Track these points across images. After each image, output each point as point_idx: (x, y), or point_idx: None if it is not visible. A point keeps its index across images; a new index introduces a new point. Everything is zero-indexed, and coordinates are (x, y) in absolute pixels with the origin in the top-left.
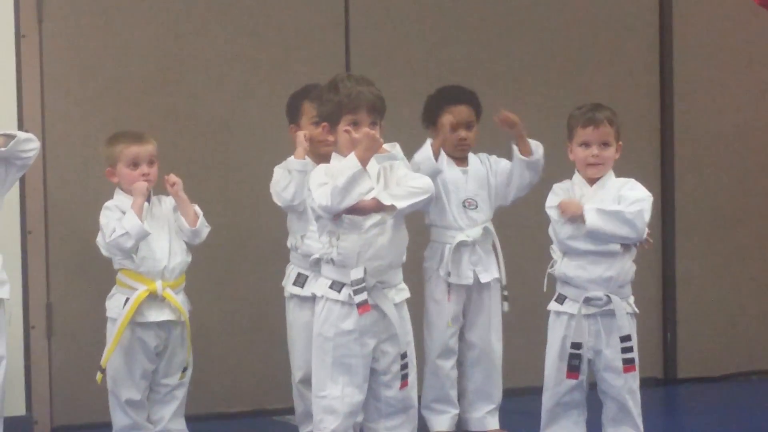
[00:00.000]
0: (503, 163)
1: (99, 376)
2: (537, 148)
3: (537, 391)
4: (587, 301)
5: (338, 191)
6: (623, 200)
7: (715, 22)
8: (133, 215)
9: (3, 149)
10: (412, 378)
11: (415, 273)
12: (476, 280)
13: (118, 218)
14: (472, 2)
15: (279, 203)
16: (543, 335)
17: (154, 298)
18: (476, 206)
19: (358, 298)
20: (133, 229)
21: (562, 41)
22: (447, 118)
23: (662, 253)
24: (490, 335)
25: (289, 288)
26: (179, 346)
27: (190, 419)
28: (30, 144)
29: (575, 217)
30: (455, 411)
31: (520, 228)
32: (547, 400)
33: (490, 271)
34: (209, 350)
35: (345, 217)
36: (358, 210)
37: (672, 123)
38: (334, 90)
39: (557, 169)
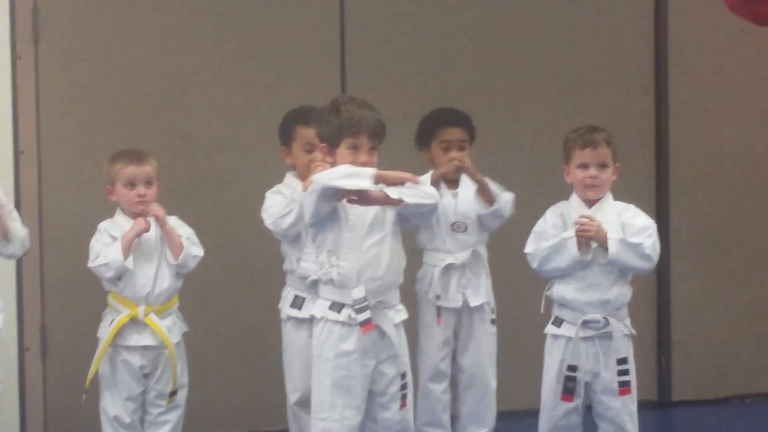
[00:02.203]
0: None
1: (84, 397)
2: (500, 197)
3: (531, 414)
4: (585, 323)
5: (342, 172)
6: (628, 228)
7: (711, 45)
8: (118, 248)
9: None
10: (410, 399)
11: (409, 294)
12: (465, 303)
13: (104, 243)
14: (467, 25)
15: (272, 229)
16: (537, 358)
17: (135, 322)
18: (465, 229)
19: (361, 317)
20: (114, 262)
21: (557, 64)
22: (438, 146)
23: (657, 275)
24: (482, 359)
25: (286, 310)
26: (170, 369)
27: None
28: (8, 248)
29: (596, 239)
30: None
31: (513, 249)
32: (544, 423)
33: (480, 295)
34: (204, 371)
35: (345, 235)
36: (365, 199)
37: (667, 145)
38: (336, 112)
39: (552, 192)
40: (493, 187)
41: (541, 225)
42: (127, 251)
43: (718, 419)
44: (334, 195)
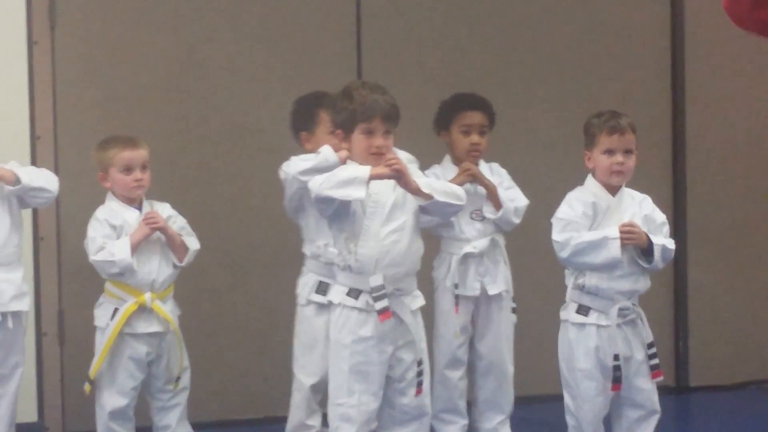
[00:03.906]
0: (505, 183)
1: (87, 387)
2: (505, 207)
3: (547, 400)
4: (618, 311)
5: (335, 180)
6: (650, 222)
7: (727, 30)
8: (126, 247)
9: (11, 188)
10: (426, 385)
11: (425, 281)
12: (484, 291)
13: (105, 235)
14: (484, 10)
15: (287, 170)
16: (554, 344)
17: (142, 309)
18: (483, 218)
19: (379, 305)
20: (122, 262)
21: (574, 49)
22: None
23: (674, 261)
24: (500, 346)
25: (309, 296)
26: (174, 354)
27: (201, 427)
28: (43, 194)
29: (638, 244)
30: (464, 421)
31: (530, 236)
32: (586, 413)
33: (498, 283)
34: (221, 357)
35: (364, 223)
36: (401, 181)
37: (684, 131)
38: (348, 98)
39: (570, 176)
40: (507, 194)
41: (568, 213)
42: (134, 251)
43: (736, 405)
44: (332, 201)
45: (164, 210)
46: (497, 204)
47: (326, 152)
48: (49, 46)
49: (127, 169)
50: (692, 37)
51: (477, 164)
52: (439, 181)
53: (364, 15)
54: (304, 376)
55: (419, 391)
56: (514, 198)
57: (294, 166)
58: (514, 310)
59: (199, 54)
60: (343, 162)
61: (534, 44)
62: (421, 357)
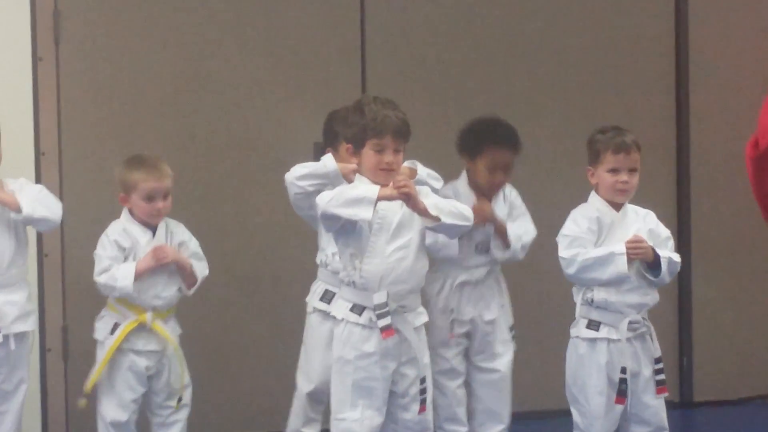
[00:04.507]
0: (516, 211)
1: (83, 401)
2: (514, 247)
3: (547, 415)
4: (629, 325)
5: (343, 198)
6: (656, 236)
7: (732, 44)
8: (130, 274)
9: (14, 215)
10: (430, 401)
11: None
12: (479, 315)
13: (112, 257)
14: (487, 24)
15: (289, 177)
16: (554, 359)
17: (142, 327)
18: (488, 249)
19: (382, 323)
20: (123, 289)
21: (578, 64)
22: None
23: (678, 276)
24: (496, 363)
25: (315, 303)
26: (174, 370)
27: None
28: (45, 223)
29: (644, 258)
30: (464, 429)
31: (531, 250)
32: (599, 429)
33: (491, 310)
34: (226, 371)
35: (370, 239)
36: (410, 203)
37: (688, 145)
38: (360, 113)
39: (575, 191)
40: (516, 226)
41: (573, 230)
42: (137, 280)
43: (741, 419)
44: (338, 219)
45: (180, 232)
46: (505, 241)
47: (326, 160)
48: (54, 62)
49: (150, 198)
50: (696, 51)
51: (491, 198)
52: (448, 201)
53: (369, 29)
54: (302, 382)
55: (423, 408)
56: (523, 234)
57: (292, 171)
58: (513, 338)
59: (203, 69)
60: (350, 175)
61: (538, 58)
62: (424, 374)
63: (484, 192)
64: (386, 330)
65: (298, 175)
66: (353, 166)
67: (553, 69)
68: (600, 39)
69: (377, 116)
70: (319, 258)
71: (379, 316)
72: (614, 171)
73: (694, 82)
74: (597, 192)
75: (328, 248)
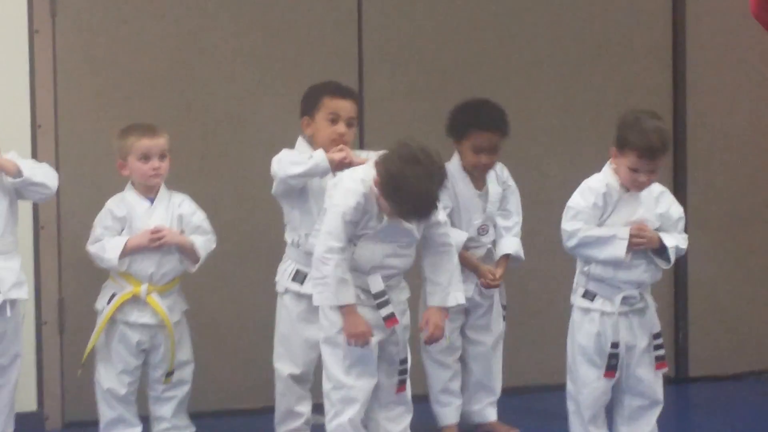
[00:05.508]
0: (510, 199)
1: (79, 371)
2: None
3: (538, 390)
4: (624, 300)
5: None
6: (666, 219)
7: (729, 20)
8: (118, 248)
9: (12, 180)
10: (408, 383)
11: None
12: (476, 291)
13: (105, 227)
14: (485, 2)
15: (277, 172)
16: (547, 333)
17: (137, 299)
18: (488, 231)
19: (384, 312)
20: (109, 262)
21: (574, 39)
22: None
23: None
24: (487, 336)
25: (286, 283)
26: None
27: (199, 416)
28: (42, 190)
29: (648, 248)
30: (458, 401)
31: (527, 226)
32: (585, 397)
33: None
34: (219, 345)
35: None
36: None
37: (684, 122)
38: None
39: (572, 168)
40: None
41: (580, 203)
42: (125, 255)
43: (735, 395)
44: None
45: (184, 205)
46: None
47: (318, 158)
48: (50, 35)
49: (145, 158)
50: (693, 28)
51: (485, 179)
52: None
53: (365, 4)
54: (282, 366)
55: (402, 388)
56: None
57: (284, 168)
58: (504, 318)
59: (200, 43)
60: (337, 164)
61: (535, 34)
62: (405, 356)
63: (472, 173)
64: (390, 319)
65: (292, 174)
66: (341, 154)
67: (549, 45)
68: (597, 14)
69: None
70: (291, 237)
71: (380, 305)
72: (635, 170)
73: (691, 60)
74: (612, 167)
75: (301, 228)
